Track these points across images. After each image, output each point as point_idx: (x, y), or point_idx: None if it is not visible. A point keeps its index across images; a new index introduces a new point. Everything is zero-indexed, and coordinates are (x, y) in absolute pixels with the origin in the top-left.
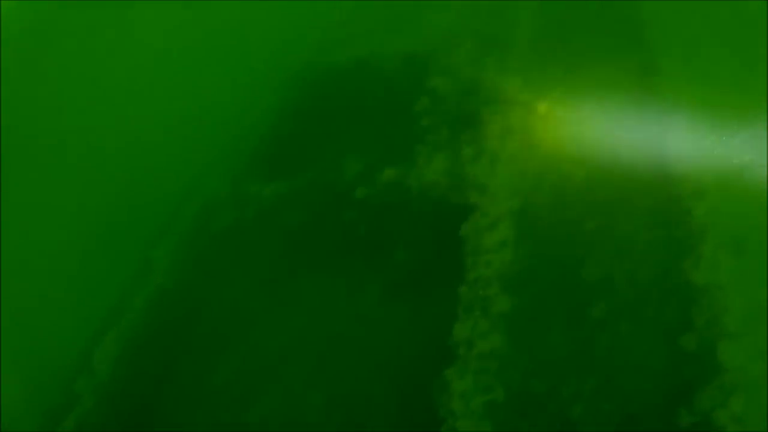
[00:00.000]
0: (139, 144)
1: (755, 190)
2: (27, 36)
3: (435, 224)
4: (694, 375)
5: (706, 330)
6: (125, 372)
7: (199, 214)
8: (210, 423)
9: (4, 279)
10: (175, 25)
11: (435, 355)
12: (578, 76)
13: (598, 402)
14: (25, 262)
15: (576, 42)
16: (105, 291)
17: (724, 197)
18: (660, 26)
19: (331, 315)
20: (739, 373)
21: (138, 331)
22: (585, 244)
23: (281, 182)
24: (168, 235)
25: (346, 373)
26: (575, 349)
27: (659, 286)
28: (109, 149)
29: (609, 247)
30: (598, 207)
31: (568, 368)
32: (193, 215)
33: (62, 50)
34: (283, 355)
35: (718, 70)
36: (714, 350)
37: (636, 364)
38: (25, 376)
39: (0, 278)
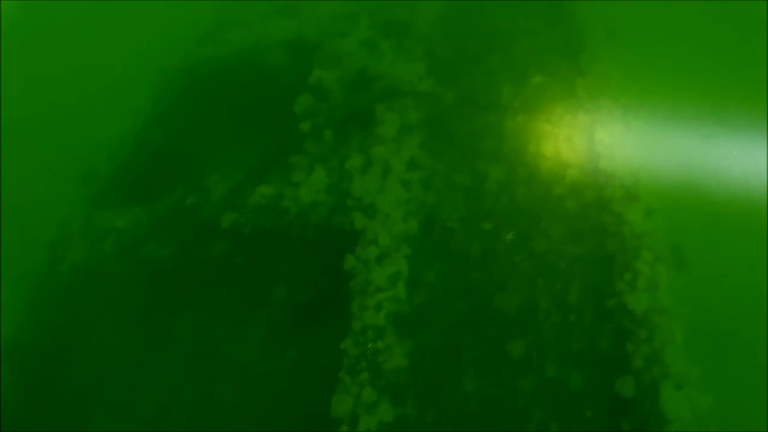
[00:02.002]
0: None
1: (696, 190)
2: (27, 36)
3: (317, 255)
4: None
5: (647, 371)
6: None
7: (49, 253)
8: None
9: None
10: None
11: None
12: (493, 58)
13: None
14: None
15: (490, 18)
16: None
17: (660, 199)
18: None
19: (211, 361)
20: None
21: None
22: (501, 264)
23: (139, 209)
24: (14, 280)
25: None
26: (492, 405)
27: (589, 315)
28: None
29: (529, 267)
30: (518, 215)
31: None
32: (41, 256)
33: None
34: (159, 412)
35: (650, 49)
36: (656, 397)
37: (566, 415)
38: None
39: None
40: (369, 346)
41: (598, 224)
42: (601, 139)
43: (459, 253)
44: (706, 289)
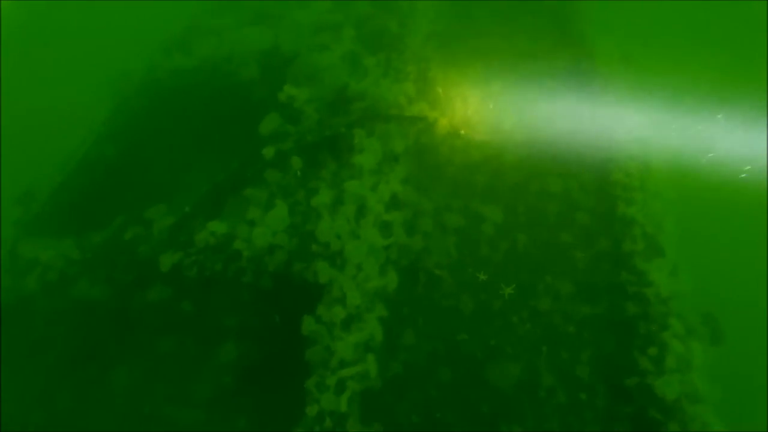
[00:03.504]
0: None
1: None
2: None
3: (272, 309)
4: None
5: None
6: None
7: None
8: None
9: None
10: None
11: None
12: (494, 82)
13: None
14: None
15: (490, 38)
16: None
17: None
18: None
19: (147, 423)
20: None
21: None
22: (497, 325)
23: (70, 241)
24: None
25: None
26: None
27: (603, 396)
28: None
29: (530, 331)
30: (518, 266)
31: None
32: None
33: None
34: None
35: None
36: None
37: None
38: None
39: None
40: None
41: (615, 282)
42: (617, 178)
43: (447, 309)
44: (748, 369)
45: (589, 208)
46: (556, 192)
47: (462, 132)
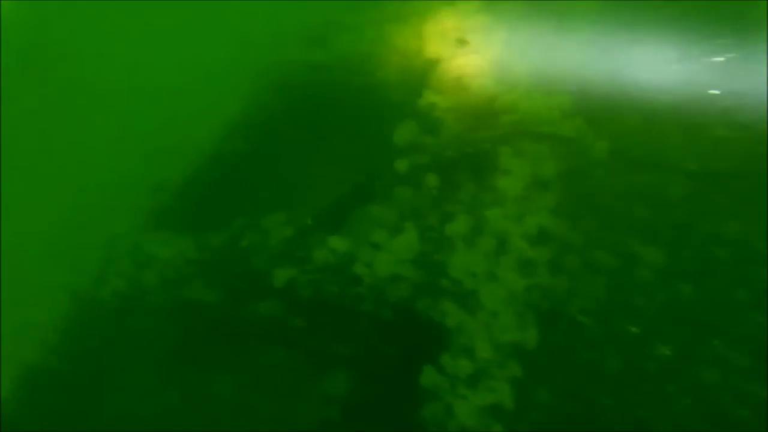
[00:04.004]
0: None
1: None
2: (27, 36)
3: (390, 345)
4: None
5: None
6: None
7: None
8: None
9: None
10: None
11: None
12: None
13: None
14: None
15: None
16: None
17: None
18: None
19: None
20: None
21: None
22: (649, 392)
23: (189, 240)
24: (57, 294)
25: None
26: None
27: None
28: None
29: (690, 407)
30: (680, 323)
31: None
32: (89, 272)
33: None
34: None
35: None
36: None
37: None
38: None
39: None
40: None
41: None
42: None
43: (589, 364)
44: None
45: None
46: (732, 237)
47: (622, 156)
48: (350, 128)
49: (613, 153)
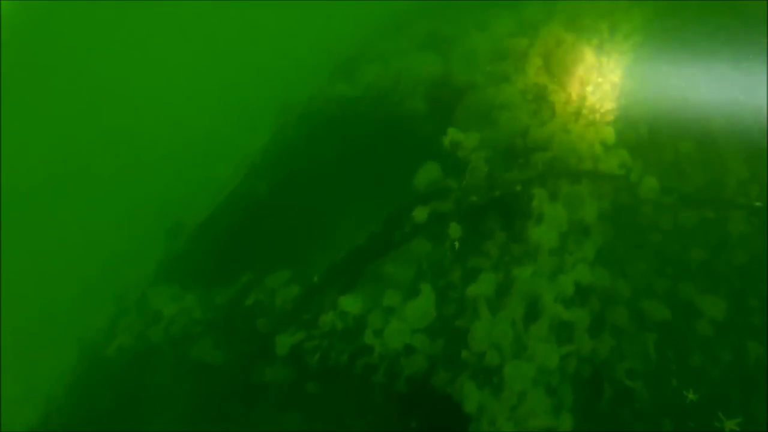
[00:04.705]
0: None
1: None
2: (27, 36)
3: (406, 421)
4: None
5: None
6: None
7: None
8: None
9: None
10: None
11: None
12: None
13: None
14: None
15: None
16: None
17: None
18: None
19: None
20: None
21: None
22: None
23: (195, 295)
24: (64, 349)
25: None
26: None
27: None
28: None
29: None
30: (749, 391)
31: None
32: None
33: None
34: None
35: None
36: None
37: None
38: None
39: None
40: None
41: None
42: None
43: None
44: None
45: None
46: None
47: (673, 191)
48: (370, 169)
49: (663, 188)
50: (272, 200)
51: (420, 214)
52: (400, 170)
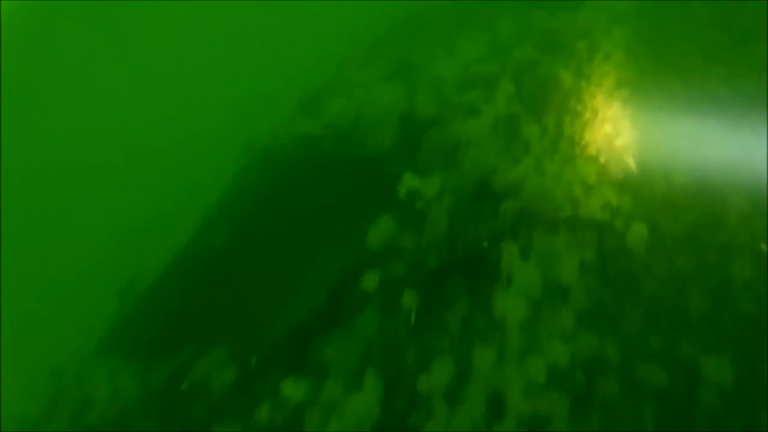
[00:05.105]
0: None
1: None
2: (27, 36)
3: None
4: None
5: None
6: None
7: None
8: None
9: None
10: None
11: None
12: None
13: None
14: None
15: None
16: None
17: None
18: None
19: None
20: None
21: None
22: None
23: (132, 371)
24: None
25: None
26: None
27: None
28: None
29: None
30: None
31: None
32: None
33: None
34: None
35: None
36: None
37: None
38: None
39: None
40: None
41: None
42: None
43: None
44: None
45: None
46: None
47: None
48: (327, 221)
49: (654, 232)
50: (226, 257)
51: (370, 280)
52: (356, 223)
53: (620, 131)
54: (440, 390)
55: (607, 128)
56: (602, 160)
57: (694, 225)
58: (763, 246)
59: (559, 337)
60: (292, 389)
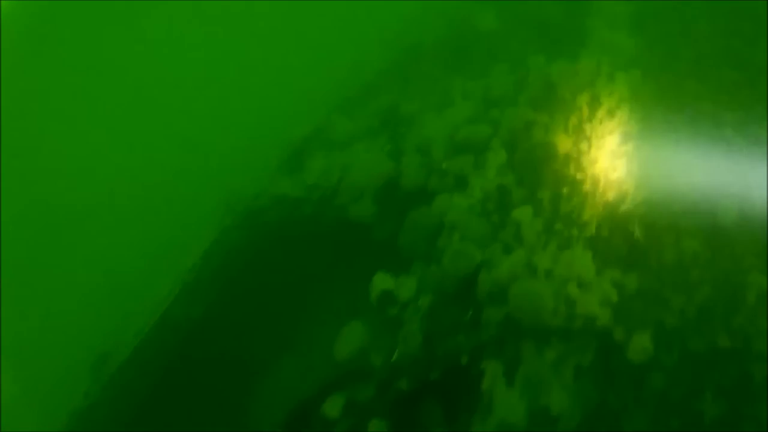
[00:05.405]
0: None
1: None
2: (27, 36)
3: None
4: None
5: None
6: None
7: None
8: None
9: None
10: None
11: None
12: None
13: None
14: None
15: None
16: None
17: None
18: None
19: None
20: None
21: None
22: None
23: None
24: None
25: None
26: None
27: None
28: None
29: None
30: None
31: None
32: None
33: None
34: None
35: None
36: None
37: None
38: None
39: None
40: None
41: None
42: None
43: None
44: None
45: None
46: None
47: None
48: (287, 332)
49: (657, 342)
50: (199, 336)
51: (332, 407)
52: (320, 332)
53: (624, 197)
54: None
55: (609, 196)
56: (604, 234)
57: (708, 299)
58: None
59: None
60: None
